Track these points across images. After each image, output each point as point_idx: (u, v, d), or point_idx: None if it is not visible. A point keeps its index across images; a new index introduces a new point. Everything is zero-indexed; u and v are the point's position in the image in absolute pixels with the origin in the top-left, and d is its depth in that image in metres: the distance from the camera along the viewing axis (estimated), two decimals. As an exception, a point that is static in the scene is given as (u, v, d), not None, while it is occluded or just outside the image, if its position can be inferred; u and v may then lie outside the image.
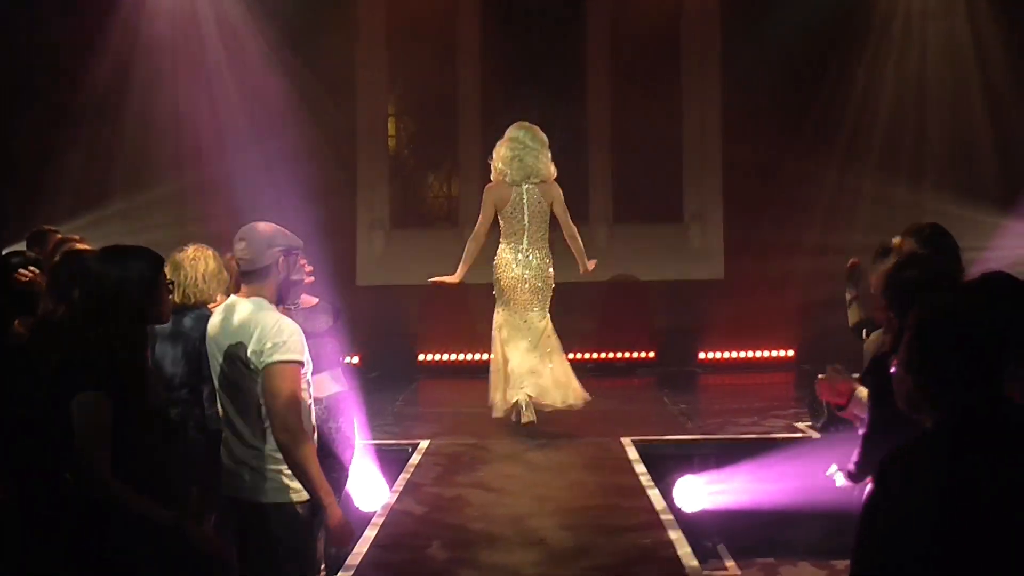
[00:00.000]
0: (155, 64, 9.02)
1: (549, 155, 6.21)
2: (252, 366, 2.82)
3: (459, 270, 6.35)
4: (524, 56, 9.63)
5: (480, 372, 8.66)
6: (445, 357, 9.23)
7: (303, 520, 2.90)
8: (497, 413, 6.22)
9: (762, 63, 8.87)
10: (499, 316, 6.26)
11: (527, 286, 6.20)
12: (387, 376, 8.87)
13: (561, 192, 6.21)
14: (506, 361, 6.14)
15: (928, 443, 1.77)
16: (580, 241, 6.29)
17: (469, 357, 9.13)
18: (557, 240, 6.46)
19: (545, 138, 6.24)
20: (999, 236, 7.49)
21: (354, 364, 8.79)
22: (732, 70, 9.23)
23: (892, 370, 2.69)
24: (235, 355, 2.86)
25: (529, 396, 6.01)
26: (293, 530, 2.88)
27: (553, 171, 6.21)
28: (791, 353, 9.14)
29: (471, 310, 9.17)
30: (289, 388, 2.81)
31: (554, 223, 6.30)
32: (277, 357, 2.80)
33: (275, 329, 2.82)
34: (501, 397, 6.15)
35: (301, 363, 2.85)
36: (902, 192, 8.63)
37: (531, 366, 6.06)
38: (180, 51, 9.12)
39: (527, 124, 6.33)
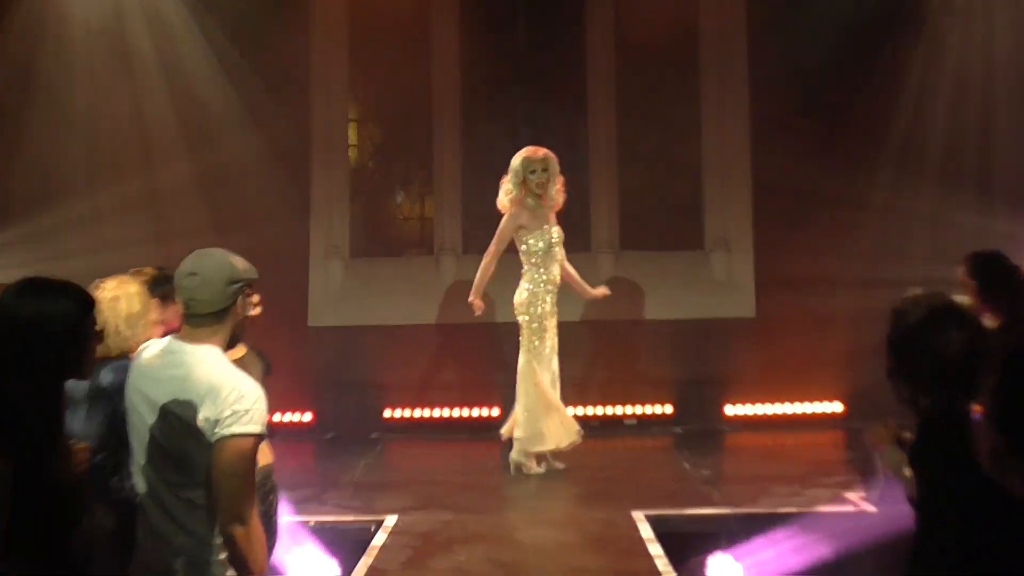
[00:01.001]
0: (66, 61, 9.00)
1: (508, 184, 7.10)
2: (203, 434, 2.81)
3: (587, 289, 7.50)
4: (511, 54, 9.69)
5: (460, 431, 8.76)
6: (418, 413, 9.18)
7: None
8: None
9: (796, 63, 8.90)
10: None
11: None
12: (346, 437, 8.85)
13: (503, 221, 7.11)
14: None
15: None
16: (481, 272, 7.19)
17: (447, 413, 9.11)
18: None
19: (514, 163, 7.08)
20: None
21: (306, 423, 8.73)
22: (761, 73, 9.27)
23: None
24: (176, 415, 2.83)
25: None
26: None
27: (501, 201, 7.13)
28: (838, 407, 9.13)
29: (448, 356, 9.28)
30: (246, 467, 2.80)
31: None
32: (237, 429, 2.78)
33: (236, 393, 2.81)
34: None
35: (263, 436, 2.84)
36: (966, 213, 8.65)
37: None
38: (98, 47, 9.11)
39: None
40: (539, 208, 7.11)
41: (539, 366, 7.00)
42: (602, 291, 7.51)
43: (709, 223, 9.60)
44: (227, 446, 2.77)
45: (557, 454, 7.14)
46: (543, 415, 6.96)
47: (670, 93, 9.59)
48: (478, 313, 7.26)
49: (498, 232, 7.14)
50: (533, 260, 7.07)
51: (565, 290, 7.28)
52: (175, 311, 3.44)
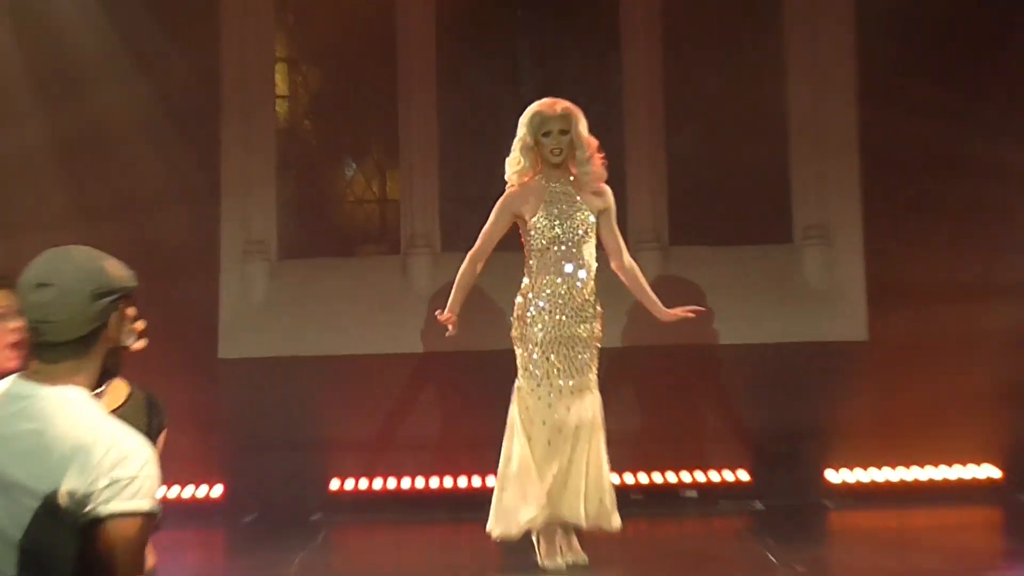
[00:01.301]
0: None
1: (515, 151, 7.12)
2: (68, 515, 2.80)
3: (659, 307, 7.35)
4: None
5: (440, 508, 8.96)
6: (378, 484, 9.19)
7: None
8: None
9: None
10: None
11: None
12: (274, 520, 8.90)
13: (497, 205, 7.16)
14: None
15: None
16: (459, 276, 7.16)
17: (421, 483, 9.18)
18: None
19: (522, 122, 7.09)
20: None
21: (215, 500, 9.00)
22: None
23: None
24: (26, 489, 2.83)
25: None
26: None
27: (508, 175, 7.16)
28: (993, 472, 9.12)
29: (422, 399, 9.45)
30: (132, 560, 2.82)
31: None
32: (118, 506, 2.78)
33: (114, 454, 2.82)
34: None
35: (155, 516, 2.89)
36: None
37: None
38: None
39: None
40: (560, 185, 7.06)
41: (519, 409, 6.92)
42: (681, 311, 7.24)
43: (799, 207, 9.65)
44: (104, 531, 2.78)
45: (577, 539, 7.06)
46: (510, 482, 6.90)
47: (740, 24, 9.72)
48: (450, 333, 7.19)
49: (488, 222, 7.11)
50: (533, 261, 7.04)
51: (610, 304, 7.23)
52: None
